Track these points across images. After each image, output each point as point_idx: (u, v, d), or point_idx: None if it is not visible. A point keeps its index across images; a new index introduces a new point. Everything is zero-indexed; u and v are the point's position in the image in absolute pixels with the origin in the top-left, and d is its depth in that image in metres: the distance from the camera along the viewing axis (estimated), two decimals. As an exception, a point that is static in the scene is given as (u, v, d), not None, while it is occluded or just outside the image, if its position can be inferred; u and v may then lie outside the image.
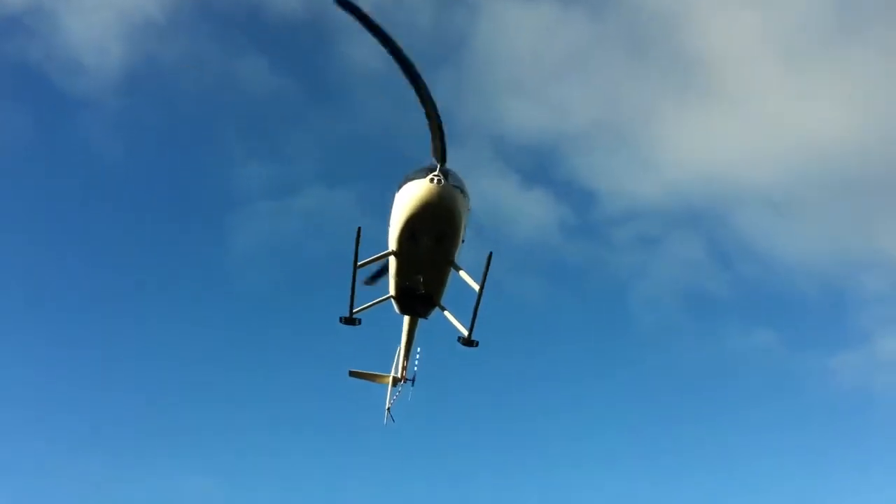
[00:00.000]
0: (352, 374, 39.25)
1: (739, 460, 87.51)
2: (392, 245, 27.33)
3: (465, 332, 29.34)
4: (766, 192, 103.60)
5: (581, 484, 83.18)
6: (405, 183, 26.25)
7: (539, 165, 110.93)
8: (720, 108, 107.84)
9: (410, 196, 26.02)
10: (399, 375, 37.87)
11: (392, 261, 28.22)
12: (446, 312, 30.04)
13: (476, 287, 28.02)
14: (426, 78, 24.01)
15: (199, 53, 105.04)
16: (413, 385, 37.82)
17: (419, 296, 29.13)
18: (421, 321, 32.41)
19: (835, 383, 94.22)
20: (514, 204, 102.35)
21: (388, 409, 38.70)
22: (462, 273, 28.39)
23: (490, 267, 27.32)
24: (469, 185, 26.64)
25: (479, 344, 29.40)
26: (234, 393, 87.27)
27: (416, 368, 37.15)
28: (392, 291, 29.81)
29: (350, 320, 29.48)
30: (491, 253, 27.59)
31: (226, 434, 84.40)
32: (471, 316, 28.84)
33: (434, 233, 26.90)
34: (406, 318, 33.15)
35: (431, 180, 25.46)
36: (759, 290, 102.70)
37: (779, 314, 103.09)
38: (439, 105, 24.29)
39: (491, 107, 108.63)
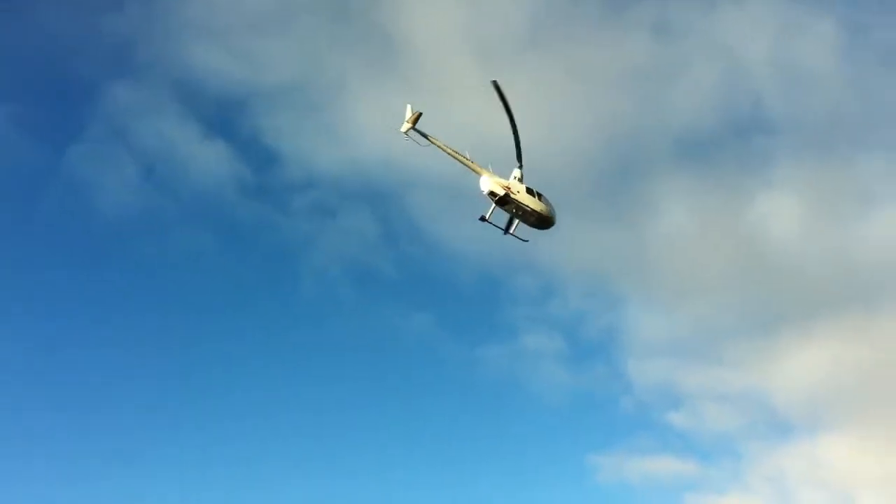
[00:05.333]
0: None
1: (377, 441, 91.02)
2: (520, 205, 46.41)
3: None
4: (441, 181, 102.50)
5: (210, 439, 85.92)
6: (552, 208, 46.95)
7: (224, 118, 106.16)
8: (412, 92, 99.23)
9: (551, 212, 46.90)
10: (410, 122, 44.15)
11: (515, 204, 45.88)
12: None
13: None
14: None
15: None
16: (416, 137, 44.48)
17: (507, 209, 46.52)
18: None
19: (481, 372, 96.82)
20: (191, 153, 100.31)
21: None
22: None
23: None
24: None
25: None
26: None
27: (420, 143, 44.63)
28: (492, 199, 45.83)
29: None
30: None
31: None
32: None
33: (542, 225, 47.34)
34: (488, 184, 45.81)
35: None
36: (423, 273, 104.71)
37: (438, 299, 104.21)
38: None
39: (178, 48, 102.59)
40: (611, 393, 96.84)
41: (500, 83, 42.38)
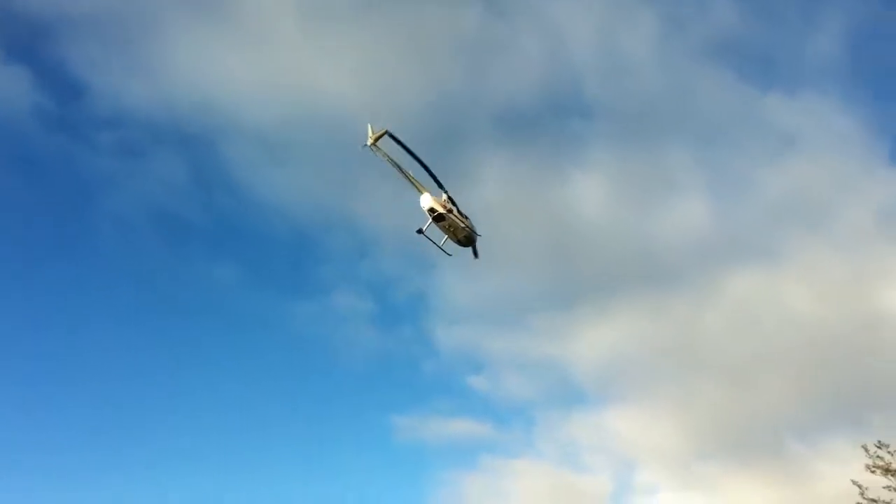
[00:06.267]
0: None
1: (179, 393, 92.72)
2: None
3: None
4: (261, 132, 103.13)
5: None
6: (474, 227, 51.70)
7: (26, 42, 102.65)
8: (234, 38, 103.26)
9: (475, 231, 51.60)
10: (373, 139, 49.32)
11: (449, 222, 50.71)
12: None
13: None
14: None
15: None
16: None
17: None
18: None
19: (290, 328, 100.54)
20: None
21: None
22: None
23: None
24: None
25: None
26: None
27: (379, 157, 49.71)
28: (430, 215, 50.45)
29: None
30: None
31: None
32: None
33: (467, 243, 51.39)
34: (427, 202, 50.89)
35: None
36: (234, 224, 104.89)
37: (248, 251, 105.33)
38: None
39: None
40: (416, 356, 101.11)
41: (392, 132, 48.68)
